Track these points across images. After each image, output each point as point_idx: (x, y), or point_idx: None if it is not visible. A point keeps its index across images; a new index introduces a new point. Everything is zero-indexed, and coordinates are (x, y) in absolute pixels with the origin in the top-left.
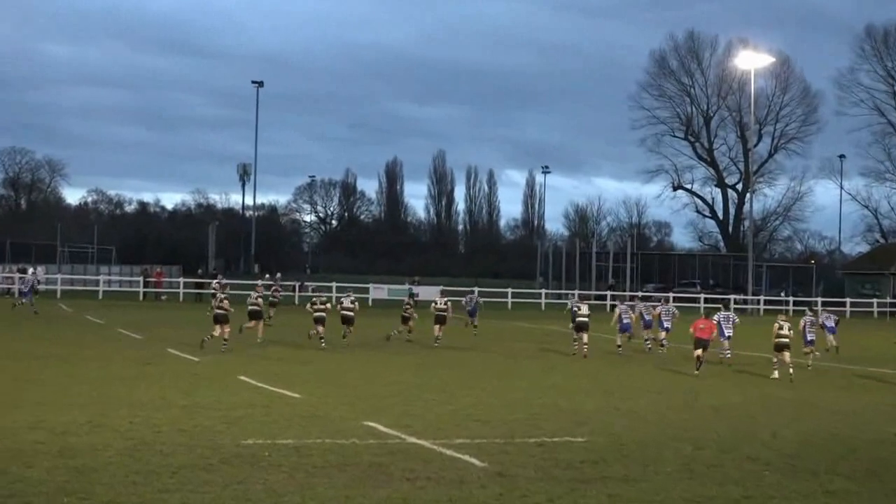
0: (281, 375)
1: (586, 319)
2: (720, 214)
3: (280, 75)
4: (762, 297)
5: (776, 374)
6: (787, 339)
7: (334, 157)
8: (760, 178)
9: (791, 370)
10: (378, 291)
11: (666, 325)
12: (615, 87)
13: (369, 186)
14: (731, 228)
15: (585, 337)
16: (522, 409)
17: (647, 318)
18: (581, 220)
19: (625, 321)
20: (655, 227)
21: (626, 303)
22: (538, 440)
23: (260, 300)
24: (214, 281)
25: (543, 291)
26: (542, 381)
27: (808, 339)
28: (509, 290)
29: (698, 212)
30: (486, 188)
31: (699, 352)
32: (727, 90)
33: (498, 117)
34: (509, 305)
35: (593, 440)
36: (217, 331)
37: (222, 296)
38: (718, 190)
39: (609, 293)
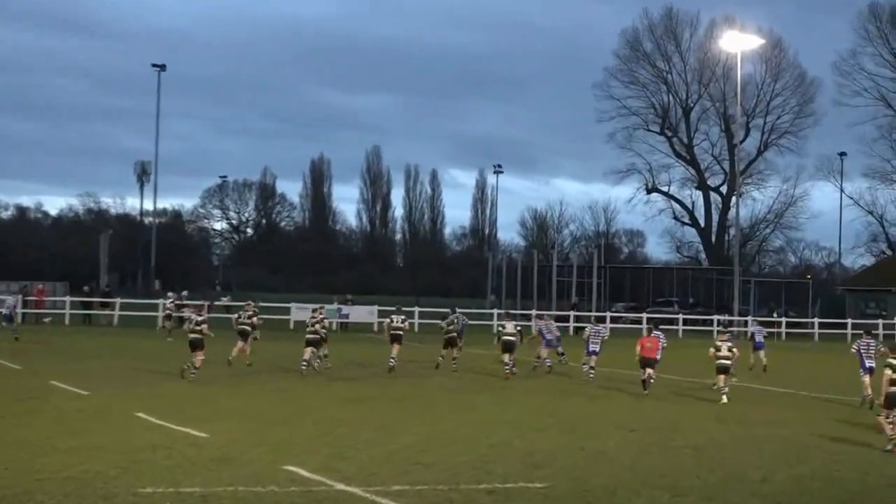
0: (187, 411)
1: (513, 339)
2: (701, 221)
3: (186, 58)
4: (750, 318)
5: (724, 398)
6: (728, 362)
7: (250, 154)
8: (748, 179)
9: (725, 395)
10: (302, 312)
11: (593, 347)
12: (579, 73)
13: (291, 189)
14: (714, 238)
15: (510, 357)
16: (471, 449)
17: (549, 337)
18: (539, 229)
19: (591, 346)
20: (626, 237)
21: (594, 325)
22: (488, 486)
23: (254, 319)
24: (168, 301)
25: (495, 311)
26: (495, 415)
27: (867, 365)
28: (458, 310)
29: (676, 218)
30: (429, 191)
31: (649, 372)
32: (710, 77)
33: (442, 108)
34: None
35: (553, 486)
36: (199, 358)
37: (200, 318)
38: (699, 193)
39: (573, 313)
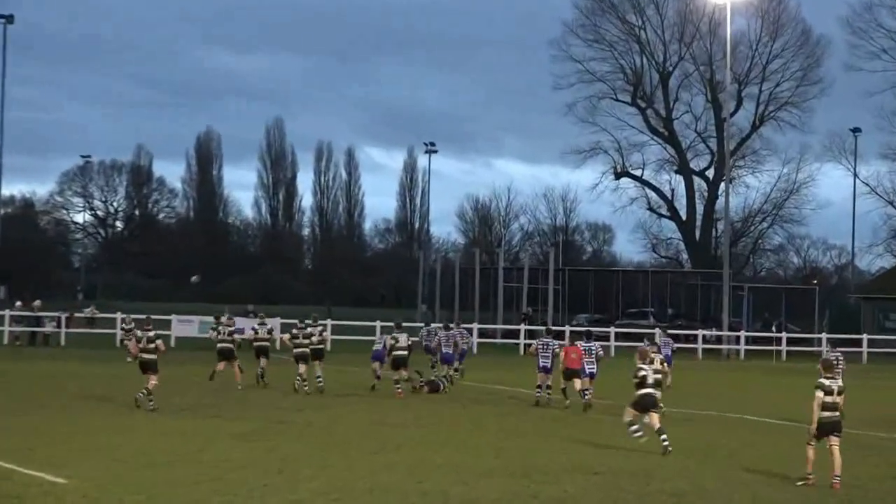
0: (43, 450)
1: (405, 353)
2: (683, 213)
3: (39, 8)
4: (744, 333)
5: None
6: (658, 376)
7: (119, 129)
8: (740, 160)
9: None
10: (185, 327)
11: (543, 363)
12: (530, 30)
13: (172, 172)
14: (698, 234)
15: (404, 373)
16: (395, 498)
17: (446, 350)
18: (482, 222)
19: (542, 361)
20: (590, 232)
21: (542, 338)
22: None
23: (238, 336)
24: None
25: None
26: (427, 455)
27: None
28: (378, 324)
29: (651, 209)
30: (344, 175)
31: (577, 384)
32: (692, 34)
33: (358, 72)
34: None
35: None
36: (152, 381)
37: (151, 334)
38: (680, 178)
39: (523, 327)
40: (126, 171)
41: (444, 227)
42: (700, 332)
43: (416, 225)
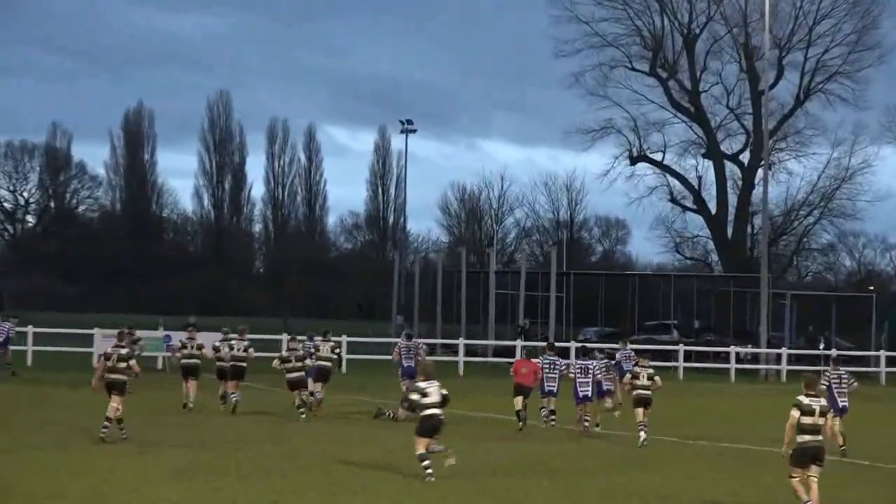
0: None
1: (329, 366)
2: (712, 206)
3: None
4: (785, 351)
5: (642, 434)
6: (648, 393)
7: (30, 104)
8: (782, 142)
9: (644, 431)
10: (109, 342)
11: (549, 386)
12: None
13: (94, 156)
14: (731, 230)
15: (321, 390)
16: None
17: (406, 364)
18: (470, 216)
19: (548, 386)
20: (600, 229)
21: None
22: None
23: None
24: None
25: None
26: (396, 499)
27: (839, 405)
28: (343, 339)
29: (674, 201)
30: (303, 159)
31: (520, 401)
32: None
33: (318, 36)
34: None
35: None
36: (114, 406)
37: (124, 351)
38: (709, 163)
39: (519, 343)
40: (39, 155)
41: (424, 223)
42: (732, 350)
43: (391, 219)
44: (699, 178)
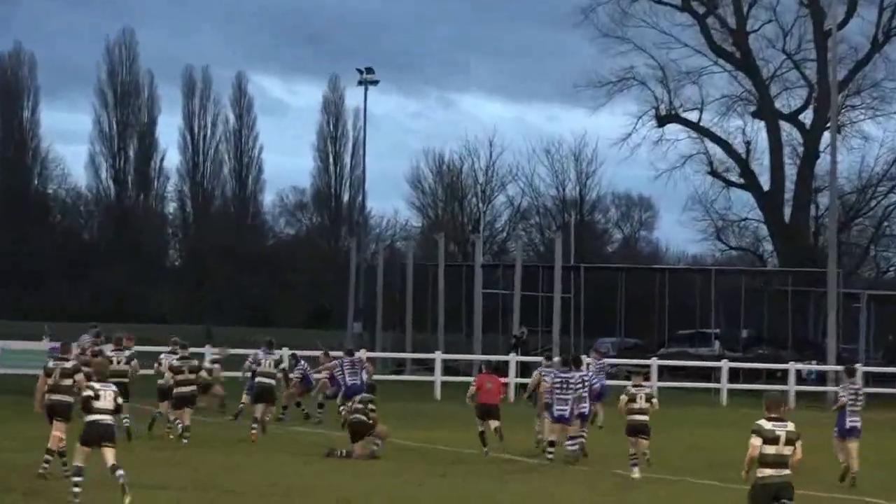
0: None
1: (270, 383)
2: (764, 181)
3: None
4: (861, 367)
5: (636, 472)
6: (644, 418)
7: None
8: (854, 98)
9: (647, 457)
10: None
11: (559, 411)
12: None
13: None
14: (788, 212)
15: (264, 411)
16: None
17: (353, 381)
18: (450, 193)
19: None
20: (619, 210)
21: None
22: None
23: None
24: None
25: (379, 355)
26: None
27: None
28: (285, 352)
29: (715, 174)
30: (231, 119)
31: (492, 424)
32: None
33: None
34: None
35: None
36: (57, 435)
37: (69, 365)
38: (761, 125)
39: (513, 358)
40: None
41: (390, 201)
42: (792, 367)
43: (345, 198)
44: (747, 144)
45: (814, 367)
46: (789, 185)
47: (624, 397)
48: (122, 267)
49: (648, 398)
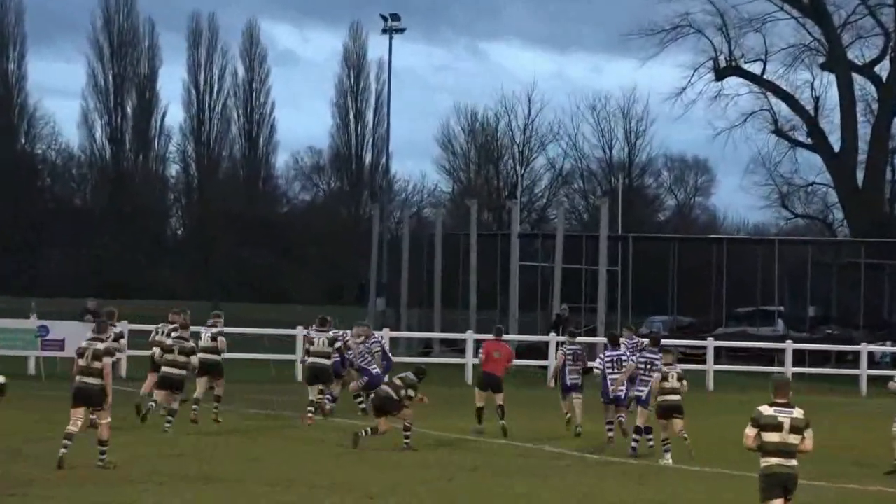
0: None
1: (325, 362)
2: (835, 141)
3: None
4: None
5: (667, 457)
6: (677, 398)
7: None
8: None
9: (687, 442)
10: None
11: (572, 380)
12: None
13: None
14: (862, 176)
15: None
16: None
17: (365, 363)
18: (483, 154)
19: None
20: (673, 173)
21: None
22: None
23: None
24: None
25: (405, 335)
26: None
27: None
28: (299, 332)
29: (781, 134)
30: (241, 71)
31: (497, 398)
32: None
33: None
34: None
35: None
36: (103, 420)
37: (100, 347)
38: (832, 78)
39: (555, 337)
40: None
41: (417, 164)
42: (864, 348)
43: (367, 160)
44: (816, 99)
45: (889, 348)
46: (862, 146)
47: (657, 376)
48: (119, 235)
49: (679, 378)
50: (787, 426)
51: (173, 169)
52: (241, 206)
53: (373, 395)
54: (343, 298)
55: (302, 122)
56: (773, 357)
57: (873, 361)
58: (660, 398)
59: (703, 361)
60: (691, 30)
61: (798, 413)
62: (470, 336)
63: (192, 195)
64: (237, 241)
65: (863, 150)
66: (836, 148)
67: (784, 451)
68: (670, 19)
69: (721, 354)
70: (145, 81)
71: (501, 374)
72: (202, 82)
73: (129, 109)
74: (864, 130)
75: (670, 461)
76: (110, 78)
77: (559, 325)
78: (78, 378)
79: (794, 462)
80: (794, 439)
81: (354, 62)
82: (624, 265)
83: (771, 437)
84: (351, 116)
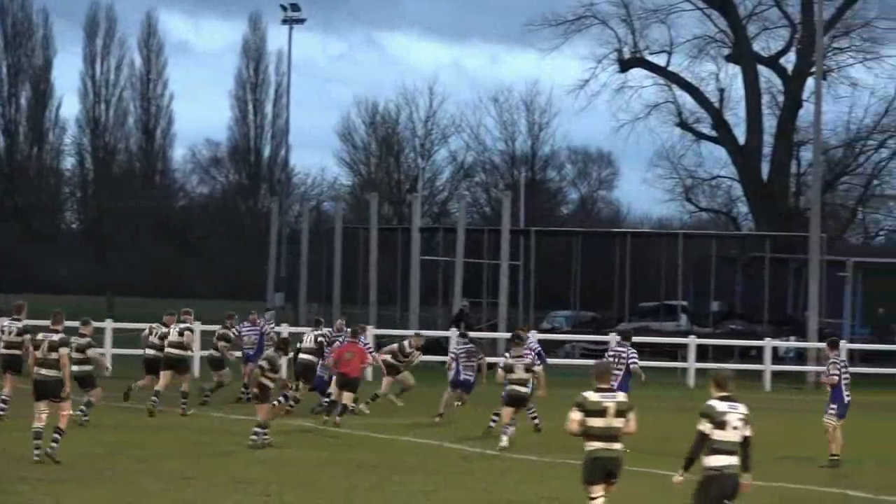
0: None
1: (312, 359)
2: (740, 134)
3: None
4: (846, 345)
5: (504, 440)
6: (523, 389)
7: None
8: (842, 40)
9: (507, 435)
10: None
11: (466, 375)
12: None
13: None
14: (767, 169)
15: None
16: None
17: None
18: (383, 147)
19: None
20: (575, 166)
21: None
22: None
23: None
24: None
25: (303, 330)
26: None
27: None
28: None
29: (685, 126)
30: (138, 62)
31: (345, 397)
32: None
33: None
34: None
35: None
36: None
37: (55, 338)
38: (737, 70)
39: (453, 334)
40: None
41: (317, 157)
42: (768, 343)
43: (266, 153)
44: (721, 91)
45: (793, 343)
46: (768, 139)
47: (501, 368)
48: (13, 230)
49: (528, 368)
50: (612, 410)
51: (68, 162)
52: (137, 200)
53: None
54: (242, 293)
55: (200, 115)
56: (677, 352)
57: (777, 356)
58: (508, 388)
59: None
60: (595, 21)
61: (622, 396)
62: (370, 331)
63: (87, 190)
64: (134, 235)
65: (768, 143)
66: (741, 141)
67: (608, 435)
68: (574, 10)
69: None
70: (40, 73)
71: (357, 375)
72: (99, 74)
73: (22, 101)
74: (770, 123)
75: (506, 443)
76: (4, 69)
77: (460, 319)
78: (35, 370)
79: (617, 446)
80: (618, 423)
81: (254, 53)
82: (526, 259)
83: (596, 421)
84: (250, 108)
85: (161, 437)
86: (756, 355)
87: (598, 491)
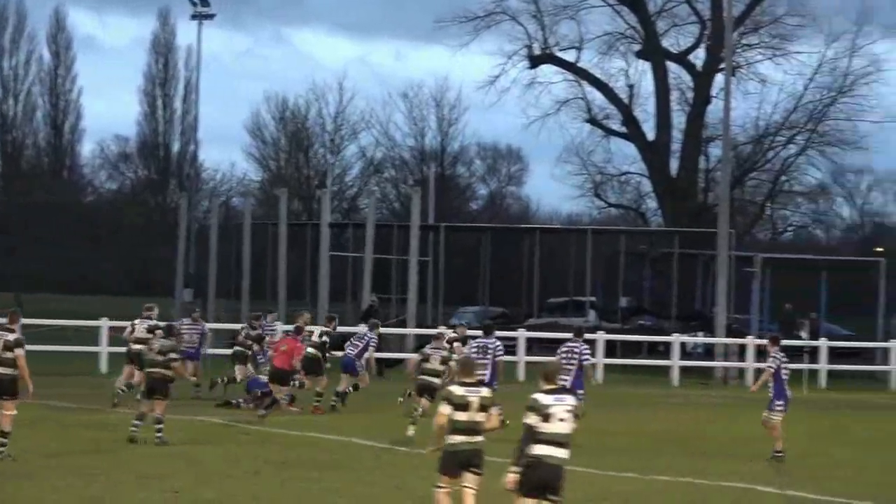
0: None
1: (317, 354)
2: (649, 130)
3: None
4: (752, 340)
5: (411, 430)
6: (436, 380)
7: None
8: (751, 36)
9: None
10: None
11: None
12: None
13: None
14: (676, 165)
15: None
16: None
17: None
18: (293, 142)
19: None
20: (485, 162)
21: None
22: None
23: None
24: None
25: (213, 326)
26: None
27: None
28: (104, 323)
29: (594, 122)
30: (46, 57)
31: (279, 390)
32: None
33: None
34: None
35: None
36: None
37: (10, 338)
38: (646, 66)
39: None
40: None
41: (226, 153)
42: (676, 339)
43: (175, 148)
44: (630, 88)
45: (700, 339)
46: (677, 135)
47: (416, 358)
48: None
49: (444, 361)
50: (475, 405)
51: None
52: (45, 196)
53: None
54: (152, 288)
55: (109, 110)
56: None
57: (685, 352)
58: (419, 377)
59: (514, 350)
60: (505, 17)
61: (485, 392)
62: (278, 327)
63: None
64: (42, 231)
65: (677, 139)
66: (651, 137)
67: (471, 429)
68: (484, 6)
69: (532, 345)
70: None
71: (286, 367)
72: (7, 68)
73: None
74: (679, 119)
75: (412, 432)
76: None
77: (370, 315)
78: None
79: (479, 439)
80: (480, 417)
81: (163, 49)
82: (435, 255)
83: (460, 416)
84: (159, 104)
85: (71, 434)
86: (664, 351)
87: (447, 482)
